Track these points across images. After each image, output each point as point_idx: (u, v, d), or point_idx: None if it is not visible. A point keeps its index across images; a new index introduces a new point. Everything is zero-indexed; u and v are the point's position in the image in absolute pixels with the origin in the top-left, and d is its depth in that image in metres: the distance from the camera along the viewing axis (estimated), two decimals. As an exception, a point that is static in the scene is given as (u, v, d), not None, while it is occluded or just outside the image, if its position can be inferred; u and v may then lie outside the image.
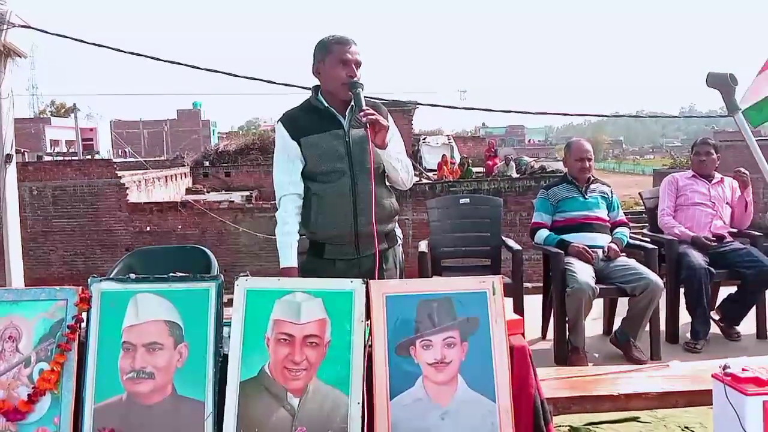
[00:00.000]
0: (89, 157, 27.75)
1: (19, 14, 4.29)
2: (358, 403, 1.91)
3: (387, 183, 2.63)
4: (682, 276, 4.09)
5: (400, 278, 2.65)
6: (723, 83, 2.33)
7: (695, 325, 4.05)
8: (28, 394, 1.95)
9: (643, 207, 5.08)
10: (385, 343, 1.96)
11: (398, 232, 2.74)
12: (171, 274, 2.07)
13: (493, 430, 1.92)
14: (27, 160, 20.27)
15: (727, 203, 4.41)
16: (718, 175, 4.46)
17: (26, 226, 12.70)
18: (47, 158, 25.32)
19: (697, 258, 4.04)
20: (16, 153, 4.70)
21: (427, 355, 1.96)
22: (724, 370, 2.00)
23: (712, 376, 2.05)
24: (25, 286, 4.29)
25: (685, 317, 4.24)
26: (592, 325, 4.21)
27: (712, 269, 4.02)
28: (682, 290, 4.18)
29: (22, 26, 4.34)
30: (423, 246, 4.36)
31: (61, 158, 25.37)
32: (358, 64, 2.49)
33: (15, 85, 4.59)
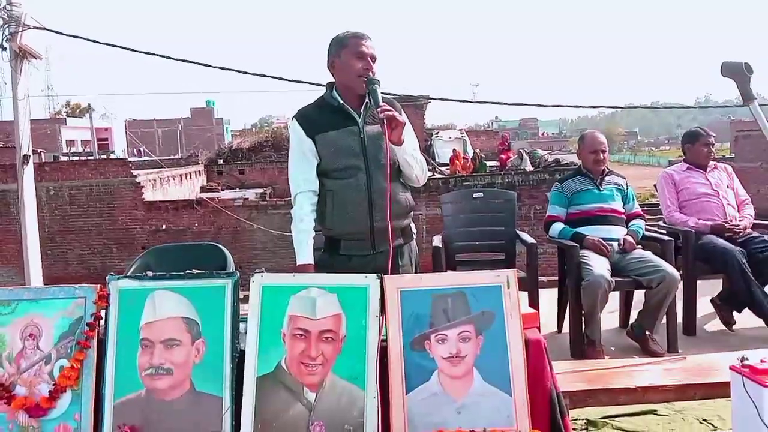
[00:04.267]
0: (105, 156, 27.97)
1: (34, 16, 4.34)
2: (374, 398, 1.92)
3: (402, 179, 2.63)
4: (720, 267, 4.02)
5: (415, 273, 2.65)
6: (738, 72, 2.30)
7: (755, 299, 3.88)
8: (49, 391, 1.98)
9: (658, 199, 5.03)
10: (400, 338, 1.97)
11: (413, 227, 2.74)
12: (187, 271, 2.09)
13: (509, 423, 1.92)
14: (43, 161, 20.48)
15: (729, 188, 4.36)
16: (711, 163, 4.43)
17: (44, 226, 12.84)
18: (63, 158, 25.58)
19: (725, 243, 3.99)
20: (33, 153, 4.76)
21: (442, 350, 1.97)
22: (742, 361, 1.99)
23: (730, 368, 2.03)
24: (44, 284, 4.35)
25: (702, 309, 4.21)
26: (608, 318, 4.19)
27: (743, 250, 3.97)
28: (699, 282, 4.14)
29: (37, 28, 4.38)
30: (437, 241, 4.36)
31: (77, 158, 25.61)
32: (373, 58, 2.50)
33: (31, 86, 4.65)
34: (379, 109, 2.38)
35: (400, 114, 2.47)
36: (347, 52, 2.49)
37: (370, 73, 2.48)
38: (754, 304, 3.94)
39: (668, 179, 4.43)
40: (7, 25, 4.25)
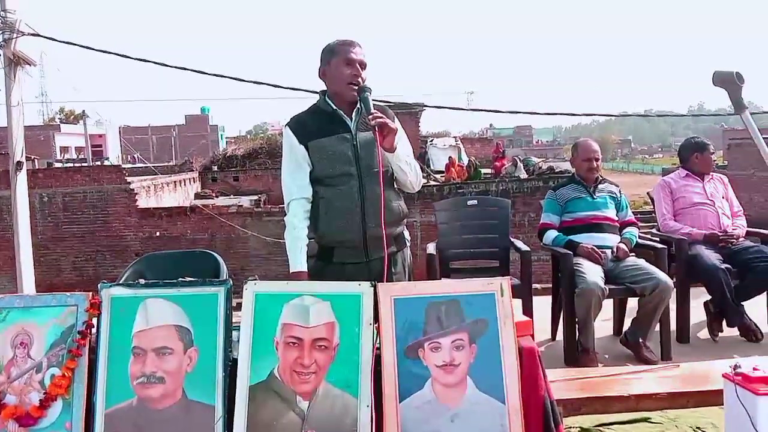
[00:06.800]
0: (99, 163, 27.94)
1: (29, 23, 4.33)
2: (367, 406, 1.91)
3: (395, 186, 2.63)
4: (702, 280, 4.06)
5: (408, 281, 2.65)
6: (729, 82, 2.31)
7: (730, 315, 4.05)
8: (40, 400, 1.96)
9: (652, 206, 5.05)
10: (393, 346, 1.97)
11: (406, 234, 2.74)
12: (180, 279, 2.08)
13: (503, 431, 1.91)
14: (37, 167, 20.38)
15: (723, 198, 4.40)
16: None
17: (37, 233, 12.76)
18: (57, 165, 25.50)
19: (711, 259, 4.01)
20: (27, 160, 4.73)
21: (435, 358, 1.96)
22: (734, 369, 1.99)
23: (723, 375, 2.04)
24: (36, 292, 4.32)
25: (695, 317, 4.22)
26: (602, 325, 4.19)
27: (730, 267, 4.00)
28: (692, 290, 4.16)
29: (32, 35, 4.38)
30: (431, 248, 4.36)
31: (70, 165, 25.57)
32: (362, 65, 2.51)
33: (24, 92, 4.64)
34: (370, 116, 2.38)
35: (393, 121, 2.46)
36: (336, 60, 2.51)
37: (360, 80, 2.49)
38: (728, 321, 4.12)
39: (665, 187, 4.45)
40: (1, 32, 4.24)
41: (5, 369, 2.01)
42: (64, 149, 40.49)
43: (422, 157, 23.38)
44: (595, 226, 4.01)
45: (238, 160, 23.23)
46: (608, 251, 3.93)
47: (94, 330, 2.03)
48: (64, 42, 4.67)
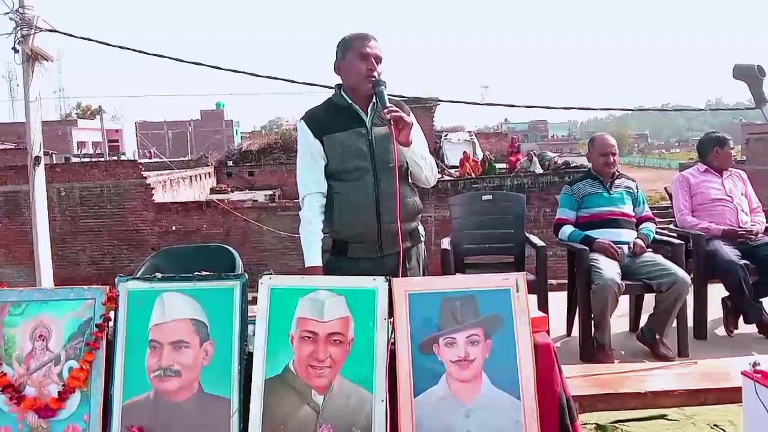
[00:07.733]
0: (115, 158, 28.17)
1: (46, 19, 4.37)
2: (382, 401, 1.91)
3: (410, 181, 2.62)
4: (719, 276, 4.02)
5: (423, 276, 2.64)
6: (750, 75, 2.28)
7: (748, 312, 4.00)
8: (59, 392, 1.99)
9: (669, 202, 5.02)
10: (408, 341, 1.96)
11: (421, 229, 2.73)
12: (196, 273, 2.09)
13: (517, 428, 1.91)
14: (55, 162, 20.65)
15: (742, 194, 4.35)
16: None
17: (55, 227, 12.89)
18: (74, 160, 25.79)
19: (729, 254, 3.96)
20: (44, 155, 4.78)
21: (450, 353, 1.96)
22: (753, 367, 1.97)
23: (742, 373, 2.01)
24: (55, 285, 4.37)
25: (713, 313, 4.18)
26: (618, 321, 4.16)
27: (748, 263, 3.96)
28: (710, 286, 4.12)
29: (49, 30, 4.41)
30: (446, 243, 4.35)
31: (87, 160, 25.83)
32: (378, 58, 2.50)
33: (42, 88, 4.68)
34: (385, 110, 2.37)
35: (408, 115, 2.45)
36: (351, 54, 2.50)
37: (375, 74, 2.48)
38: (746, 318, 4.06)
39: (683, 182, 4.41)
40: (19, 28, 4.27)
41: (24, 361, 2.03)
42: (81, 144, 40.91)
43: (436, 152, 23.33)
44: (611, 221, 3.98)
45: (253, 155, 23.36)
46: (625, 247, 3.90)
47: (111, 323, 2.05)
48: (81, 38, 4.70)
